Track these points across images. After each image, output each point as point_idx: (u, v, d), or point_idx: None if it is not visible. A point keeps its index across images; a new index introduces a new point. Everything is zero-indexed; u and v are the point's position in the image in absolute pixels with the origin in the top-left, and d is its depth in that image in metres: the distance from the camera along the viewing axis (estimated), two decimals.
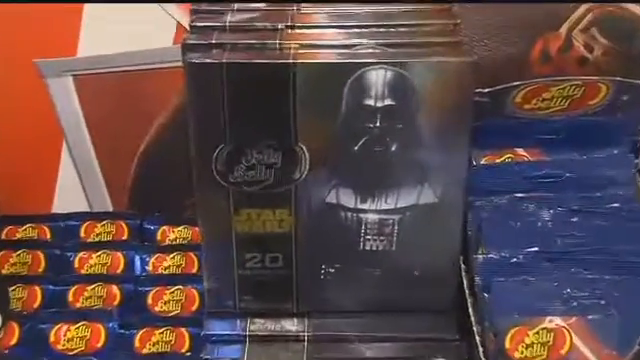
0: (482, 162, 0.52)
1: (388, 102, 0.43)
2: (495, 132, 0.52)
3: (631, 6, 0.48)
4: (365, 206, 0.46)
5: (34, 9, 0.52)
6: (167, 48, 0.53)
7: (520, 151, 0.52)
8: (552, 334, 0.43)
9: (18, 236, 0.61)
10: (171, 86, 0.54)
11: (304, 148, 0.44)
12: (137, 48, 0.54)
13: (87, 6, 0.53)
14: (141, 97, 0.56)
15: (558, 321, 0.43)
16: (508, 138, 0.52)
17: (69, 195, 0.61)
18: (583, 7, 0.48)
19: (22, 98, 0.56)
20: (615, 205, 0.48)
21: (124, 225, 0.61)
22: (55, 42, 0.54)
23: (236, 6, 0.47)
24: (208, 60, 0.42)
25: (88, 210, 0.63)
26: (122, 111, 0.57)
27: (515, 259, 0.46)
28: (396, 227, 0.47)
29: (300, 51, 0.43)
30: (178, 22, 0.53)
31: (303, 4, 0.47)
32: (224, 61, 0.42)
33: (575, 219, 0.48)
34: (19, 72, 0.55)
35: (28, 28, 0.53)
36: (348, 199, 0.46)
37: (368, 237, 0.47)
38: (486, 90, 0.48)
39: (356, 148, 0.44)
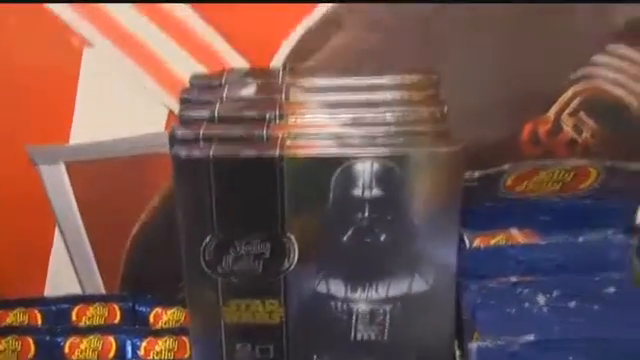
0: (475, 244, 0.52)
1: (376, 193, 0.42)
2: (488, 213, 0.52)
3: (617, 90, 0.48)
4: (356, 296, 0.45)
5: (27, 94, 0.53)
6: (158, 134, 0.53)
7: (514, 231, 0.52)
8: None
9: (8, 321, 0.60)
10: (163, 171, 0.54)
11: (292, 239, 0.44)
12: (129, 133, 0.54)
13: (80, 92, 0.53)
14: (133, 182, 0.56)
15: None
16: (501, 219, 0.52)
17: (61, 278, 0.61)
18: (570, 91, 0.48)
19: (14, 182, 0.56)
20: (612, 289, 0.48)
21: (116, 308, 0.60)
22: (47, 128, 0.54)
23: (225, 95, 0.48)
24: (195, 155, 0.42)
25: (80, 293, 0.62)
26: (114, 195, 0.57)
27: (511, 349, 0.45)
28: (388, 316, 0.46)
29: (288, 142, 0.43)
30: (169, 108, 0.53)
31: (292, 91, 0.48)
32: (211, 156, 0.42)
33: (572, 304, 0.47)
34: (10, 157, 0.55)
35: (20, 114, 0.54)
36: (338, 289, 0.45)
37: (360, 327, 0.46)
38: (476, 175, 0.47)
39: (345, 239, 0.44)
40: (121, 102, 0.53)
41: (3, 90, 0.53)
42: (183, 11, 0.50)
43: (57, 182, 0.55)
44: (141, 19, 0.50)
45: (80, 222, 0.57)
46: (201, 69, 0.52)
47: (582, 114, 0.49)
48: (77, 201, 0.56)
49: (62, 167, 0.54)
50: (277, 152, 0.42)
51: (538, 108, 0.50)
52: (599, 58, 0.47)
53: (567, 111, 0.49)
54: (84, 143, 0.54)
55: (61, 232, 0.59)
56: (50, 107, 0.54)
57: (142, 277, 0.61)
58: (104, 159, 0.54)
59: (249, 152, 0.42)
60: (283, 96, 0.47)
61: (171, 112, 0.53)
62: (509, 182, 0.48)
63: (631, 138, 0.48)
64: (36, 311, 0.60)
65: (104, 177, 0.56)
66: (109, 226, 0.58)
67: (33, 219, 0.58)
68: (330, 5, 0.50)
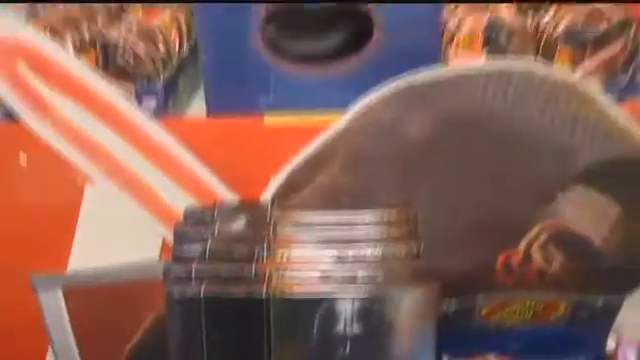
0: None
1: (357, 330, 0.45)
2: (465, 339, 0.54)
3: (580, 227, 0.52)
4: None
5: (29, 226, 0.56)
6: (152, 265, 0.56)
7: (491, 357, 0.54)
8: None
9: None
10: (157, 294, 0.57)
11: None
12: (125, 259, 0.57)
13: (80, 224, 0.57)
14: (127, 304, 0.59)
15: None
16: (478, 345, 0.54)
17: None
18: (537, 227, 0.52)
19: (9, 306, 0.59)
20: None
21: None
22: (47, 257, 0.57)
23: (217, 230, 0.51)
24: (187, 294, 0.45)
25: None
26: (108, 318, 0.59)
27: None
28: None
29: (275, 278, 0.46)
30: (164, 237, 0.56)
31: (279, 227, 0.51)
32: (202, 295, 0.45)
33: None
34: (9, 283, 0.58)
35: (21, 243, 0.57)
36: None
37: None
38: (453, 307, 0.50)
39: None
40: (118, 232, 0.56)
41: (7, 222, 0.56)
42: (178, 151, 0.54)
43: (54, 307, 0.57)
44: (140, 160, 0.54)
45: (73, 344, 0.59)
46: (193, 201, 0.55)
47: (551, 247, 0.52)
48: (71, 322, 0.58)
49: (60, 294, 0.56)
50: (264, 290, 0.45)
51: (511, 240, 0.53)
52: (562, 196, 0.51)
53: (536, 244, 0.52)
54: (81, 270, 0.57)
55: (54, 352, 0.60)
56: (50, 237, 0.57)
57: None
58: (99, 284, 0.57)
59: (238, 291, 0.45)
60: (271, 232, 0.50)
61: (165, 240, 0.57)
62: (484, 312, 0.51)
63: (596, 273, 0.52)
64: None
65: (98, 300, 0.58)
66: (102, 346, 0.60)
67: (26, 339, 0.60)
68: (316, 145, 0.54)
